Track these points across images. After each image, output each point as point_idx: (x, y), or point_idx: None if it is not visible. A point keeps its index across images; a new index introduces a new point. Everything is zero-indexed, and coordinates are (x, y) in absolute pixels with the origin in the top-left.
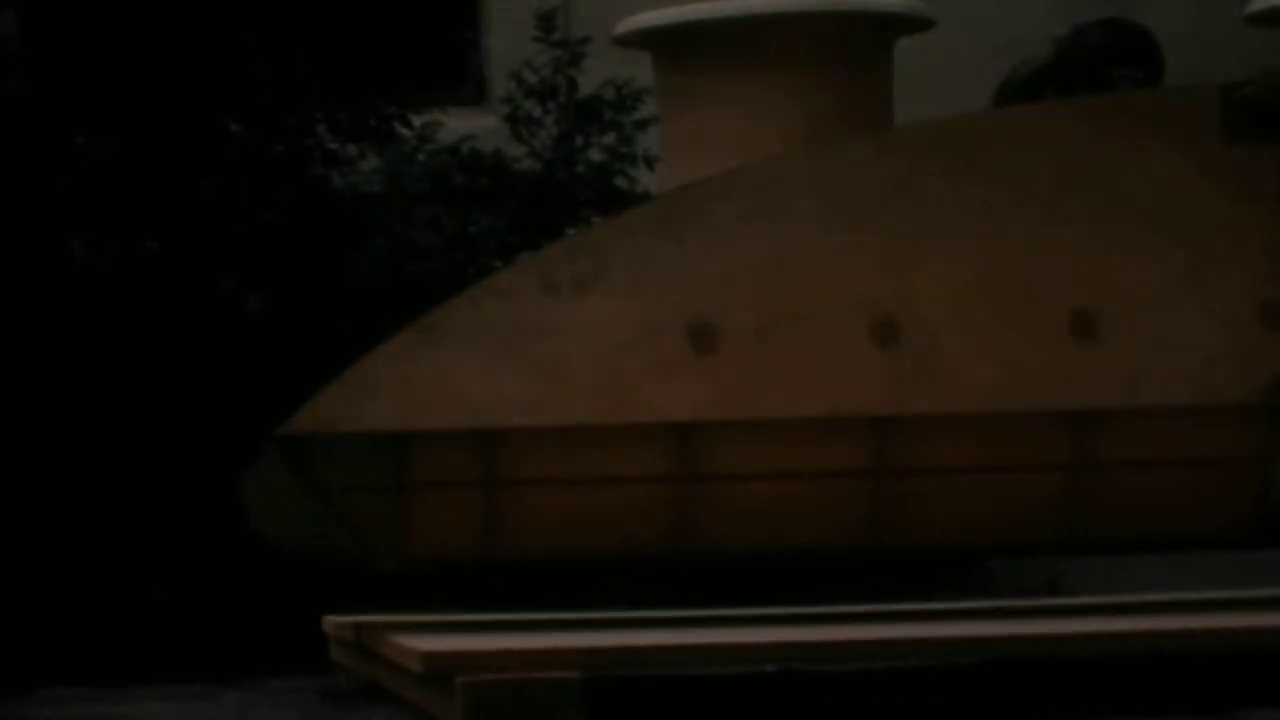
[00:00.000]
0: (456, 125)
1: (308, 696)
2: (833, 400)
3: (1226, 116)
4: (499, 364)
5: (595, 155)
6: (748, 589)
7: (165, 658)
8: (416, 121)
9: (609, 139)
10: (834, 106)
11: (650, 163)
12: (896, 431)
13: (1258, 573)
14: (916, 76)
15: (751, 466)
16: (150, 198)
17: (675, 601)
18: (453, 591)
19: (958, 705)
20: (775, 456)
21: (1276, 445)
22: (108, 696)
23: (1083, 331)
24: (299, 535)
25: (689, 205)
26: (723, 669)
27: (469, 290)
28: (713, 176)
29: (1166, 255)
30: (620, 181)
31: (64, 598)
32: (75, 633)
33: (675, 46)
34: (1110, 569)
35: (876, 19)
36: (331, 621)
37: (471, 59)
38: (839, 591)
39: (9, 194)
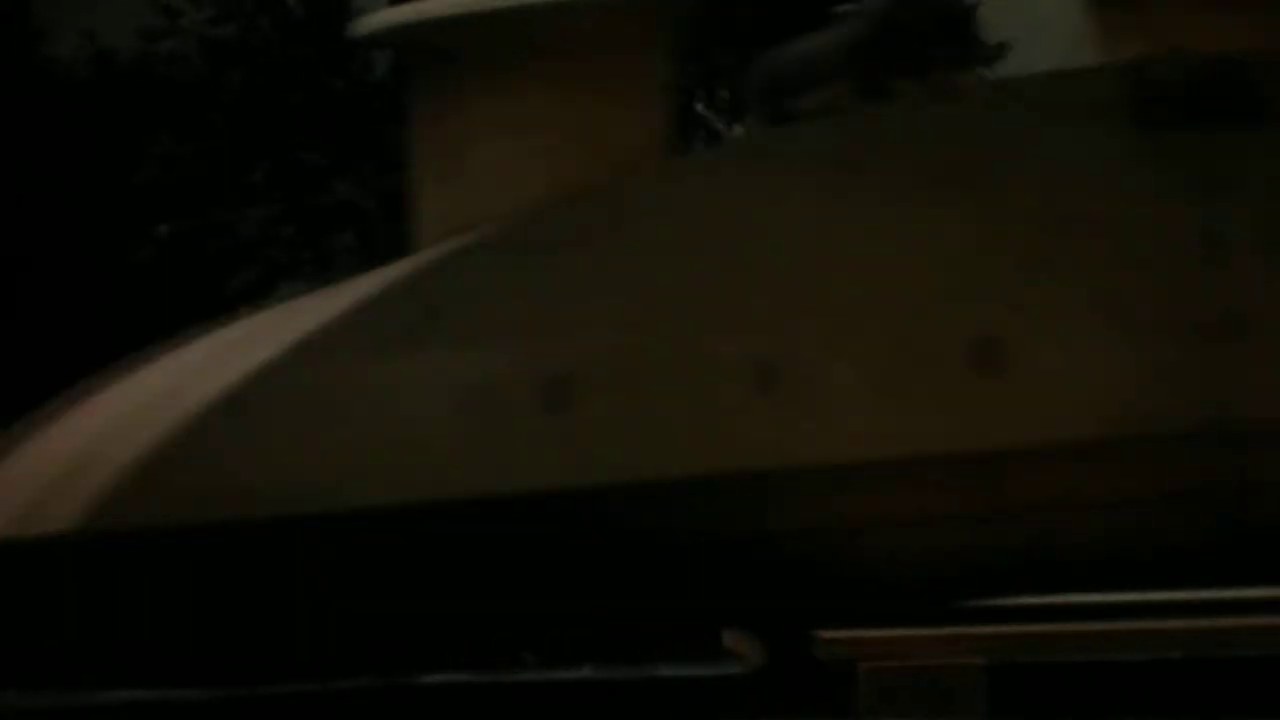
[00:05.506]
0: None
1: None
2: None
3: (1139, 102)
4: None
5: None
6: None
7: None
8: None
9: None
10: (608, 111)
11: None
12: None
13: None
14: None
15: None
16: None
17: None
18: None
19: None
20: None
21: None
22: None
23: None
24: None
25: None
26: (1129, 655)
27: None
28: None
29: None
30: None
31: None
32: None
33: (429, 47)
34: None
35: (648, 7)
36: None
37: None
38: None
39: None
